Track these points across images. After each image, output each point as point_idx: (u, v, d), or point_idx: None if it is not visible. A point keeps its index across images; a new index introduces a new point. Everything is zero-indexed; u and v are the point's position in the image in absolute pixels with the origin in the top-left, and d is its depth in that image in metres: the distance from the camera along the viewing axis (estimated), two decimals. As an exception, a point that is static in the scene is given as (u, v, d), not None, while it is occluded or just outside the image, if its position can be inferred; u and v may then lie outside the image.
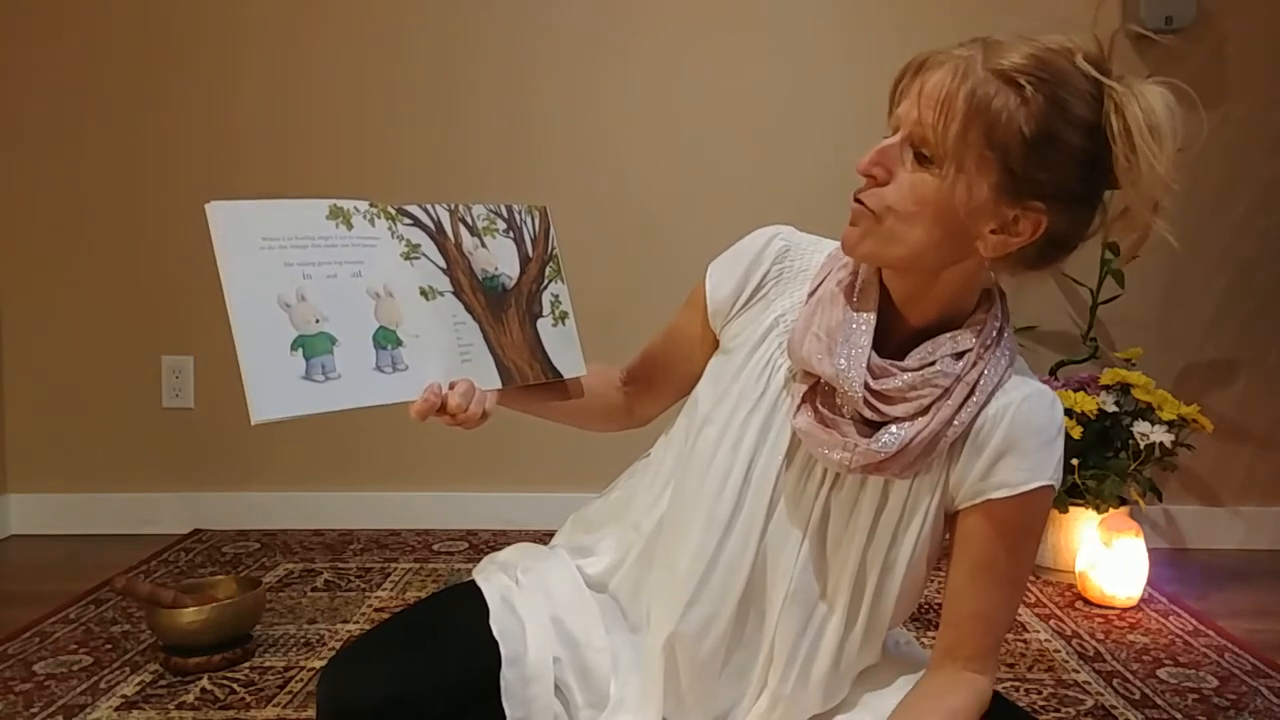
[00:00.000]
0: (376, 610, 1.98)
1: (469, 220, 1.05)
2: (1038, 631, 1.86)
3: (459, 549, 2.41)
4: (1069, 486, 2.08)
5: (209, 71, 2.51)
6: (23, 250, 2.54)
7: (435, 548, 2.42)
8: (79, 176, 2.53)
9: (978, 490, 0.97)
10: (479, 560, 2.42)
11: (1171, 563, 2.32)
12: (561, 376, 1.08)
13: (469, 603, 1.06)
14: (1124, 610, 1.99)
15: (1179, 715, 1.53)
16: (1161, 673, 1.69)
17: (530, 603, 1.06)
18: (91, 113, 2.51)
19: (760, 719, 1.04)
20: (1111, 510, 2.07)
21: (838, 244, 1.01)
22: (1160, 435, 2.06)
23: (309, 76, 2.51)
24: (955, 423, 0.95)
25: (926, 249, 0.93)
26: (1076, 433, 2.05)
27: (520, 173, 2.51)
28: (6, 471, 2.57)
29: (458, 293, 1.02)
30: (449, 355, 0.99)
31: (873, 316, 0.98)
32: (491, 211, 1.07)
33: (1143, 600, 2.02)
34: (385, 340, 0.95)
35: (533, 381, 1.06)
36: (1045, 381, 2.19)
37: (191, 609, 1.66)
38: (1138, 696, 1.59)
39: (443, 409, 0.97)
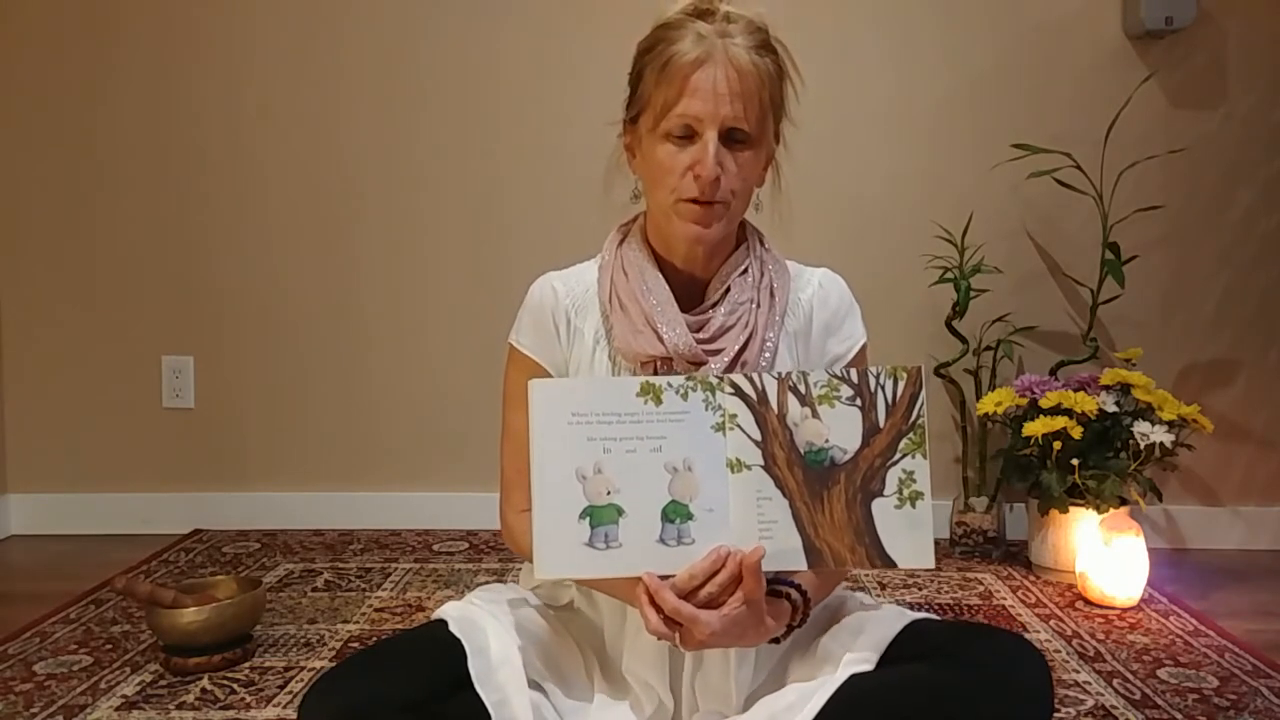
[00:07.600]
0: (376, 610, 1.98)
1: (802, 388, 1.02)
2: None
3: (459, 549, 2.40)
4: (1069, 487, 2.08)
5: (212, 71, 2.51)
6: (23, 250, 2.54)
7: (435, 548, 2.42)
8: (79, 176, 2.53)
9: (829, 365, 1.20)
10: (479, 560, 2.41)
11: (1171, 563, 2.32)
12: (895, 565, 1.02)
13: (426, 628, 1.12)
14: (1124, 610, 1.98)
15: (1179, 715, 1.53)
16: (1162, 673, 1.69)
17: (487, 612, 1.13)
18: (92, 113, 2.51)
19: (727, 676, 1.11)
20: (1111, 510, 2.06)
21: (593, 261, 1.21)
22: (1160, 435, 2.06)
23: (316, 74, 2.51)
24: (775, 317, 1.15)
25: (745, 209, 1.15)
26: (1077, 433, 2.05)
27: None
28: (6, 471, 2.57)
29: (768, 466, 1.02)
30: (745, 530, 1.01)
31: (665, 287, 1.14)
32: (836, 377, 1.03)
33: (1143, 600, 2.02)
34: (674, 514, 1.01)
35: (853, 567, 1.04)
36: (1045, 381, 2.19)
37: (191, 609, 1.66)
38: (1138, 696, 1.59)
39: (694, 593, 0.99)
